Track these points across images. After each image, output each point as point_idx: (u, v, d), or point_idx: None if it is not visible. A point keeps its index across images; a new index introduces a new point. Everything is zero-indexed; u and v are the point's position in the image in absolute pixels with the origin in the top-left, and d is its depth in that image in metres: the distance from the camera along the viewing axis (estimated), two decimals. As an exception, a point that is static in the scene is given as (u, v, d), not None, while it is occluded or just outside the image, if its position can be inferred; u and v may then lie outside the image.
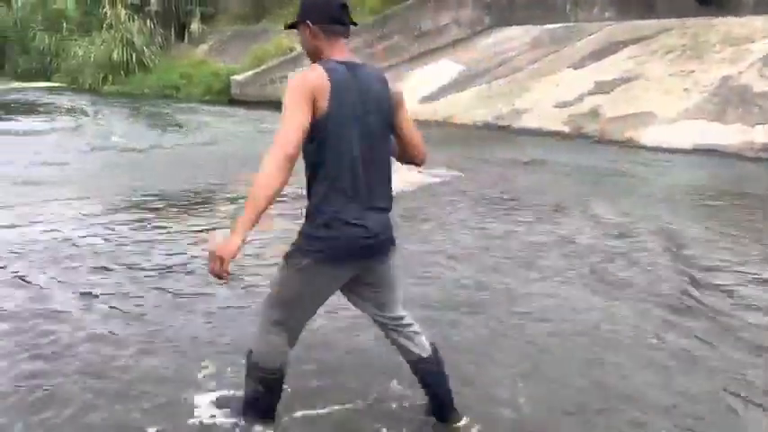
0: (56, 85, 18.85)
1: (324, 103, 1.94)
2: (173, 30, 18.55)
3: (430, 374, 2.26)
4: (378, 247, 2.11)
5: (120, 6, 17.49)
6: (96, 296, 3.49)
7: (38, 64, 20.00)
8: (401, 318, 2.23)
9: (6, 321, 3.16)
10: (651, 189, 6.13)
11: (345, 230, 2.03)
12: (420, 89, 12.37)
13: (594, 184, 6.44)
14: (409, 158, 2.26)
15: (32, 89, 18.11)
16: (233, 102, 13.99)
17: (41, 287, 3.61)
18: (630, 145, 8.23)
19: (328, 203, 2.03)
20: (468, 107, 10.84)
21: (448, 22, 14.71)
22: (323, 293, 2.15)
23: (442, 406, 2.30)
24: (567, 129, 9.20)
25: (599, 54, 10.78)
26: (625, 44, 10.63)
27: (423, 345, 2.24)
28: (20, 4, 21.32)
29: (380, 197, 2.10)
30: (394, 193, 2.18)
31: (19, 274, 3.81)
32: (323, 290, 2.14)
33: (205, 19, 18.44)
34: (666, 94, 8.84)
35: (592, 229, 4.80)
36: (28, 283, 3.68)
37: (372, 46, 14.39)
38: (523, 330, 3.09)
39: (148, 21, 17.93)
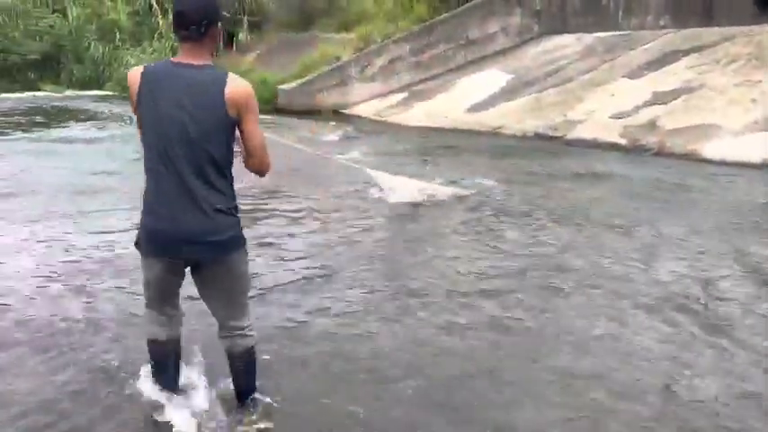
0: (108, 93, 19.35)
1: (135, 98, 2.21)
2: (221, 38, 18.81)
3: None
4: (188, 246, 2.22)
5: (171, 15, 17.85)
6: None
7: (91, 72, 20.56)
8: (231, 325, 2.43)
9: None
10: (721, 206, 5.82)
11: (150, 224, 2.26)
12: (467, 99, 12.20)
13: (659, 199, 6.13)
14: (247, 166, 2.36)
15: (86, 97, 18.64)
16: (281, 111, 14.04)
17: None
18: (692, 158, 7.86)
19: (146, 194, 2.25)
20: (518, 117, 10.60)
21: (496, 31, 14.49)
22: (158, 278, 2.34)
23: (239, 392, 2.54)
24: (623, 141, 8.87)
25: (656, 63, 10.40)
26: (684, 53, 10.23)
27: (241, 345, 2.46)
28: (75, 14, 21.98)
29: (200, 198, 2.19)
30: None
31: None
32: (155, 275, 2.33)
33: (252, 28, 18.67)
34: (731, 105, 8.44)
35: (671, 252, 4.53)
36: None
37: (418, 54, 14.29)
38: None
39: (198, 30, 18.24)
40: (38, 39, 20.89)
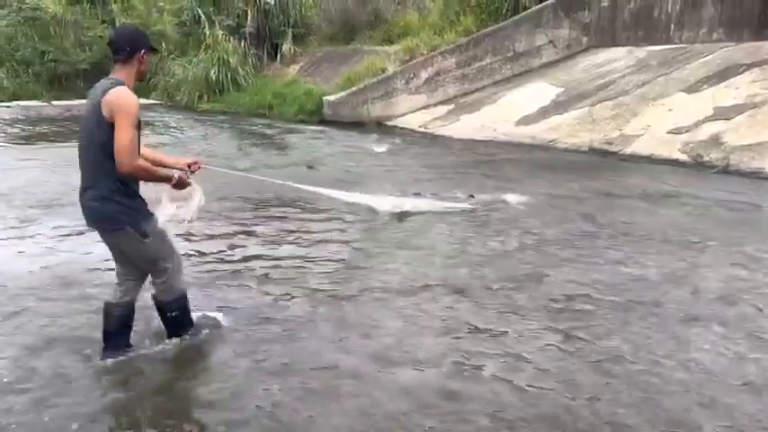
0: (154, 102, 19.71)
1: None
2: (265, 50, 19.02)
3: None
4: (89, 221, 2.98)
5: (217, 28, 18.11)
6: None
7: (137, 82, 20.98)
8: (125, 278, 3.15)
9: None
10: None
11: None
12: (515, 111, 12.04)
13: (736, 220, 5.87)
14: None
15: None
16: (325, 122, 14.08)
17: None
18: (762, 176, 7.57)
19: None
20: (570, 131, 10.40)
21: (543, 43, 14.33)
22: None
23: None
24: (683, 157, 8.61)
25: (716, 77, 10.11)
26: (747, 67, 9.92)
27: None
28: (123, 25, 22.50)
29: (87, 181, 2.91)
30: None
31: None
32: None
33: (296, 40, 18.80)
34: (801, 121, 8.13)
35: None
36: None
37: (464, 67, 14.21)
38: None
39: (243, 42, 18.47)
40: (87, 49, 21.41)
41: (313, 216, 6.07)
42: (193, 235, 5.24)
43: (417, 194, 6.75)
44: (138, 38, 2.98)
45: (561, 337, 3.44)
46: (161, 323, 3.34)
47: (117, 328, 3.18)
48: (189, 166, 3.21)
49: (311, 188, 5.58)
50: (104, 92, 2.79)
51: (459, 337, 3.47)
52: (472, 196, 6.70)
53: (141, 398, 2.88)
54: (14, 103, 18.90)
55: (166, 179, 2.98)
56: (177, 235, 4.28)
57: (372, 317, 3.73)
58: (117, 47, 2.92)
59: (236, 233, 5.49)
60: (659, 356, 3.24)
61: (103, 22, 22.64)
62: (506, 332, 3.53)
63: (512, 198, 6.65)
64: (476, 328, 3.60)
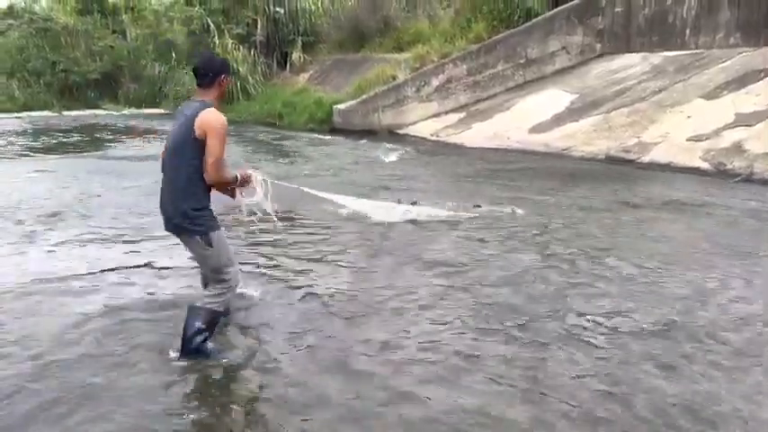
0: (163, 111, 19.69)
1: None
2: (275, 59, 18.97)
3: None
4: (166, 225, 3.29)
5: (227, 37, 18.08)
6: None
7: (148, 91, 20.99)
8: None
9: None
10: None
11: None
12: (529, 119, 11.85)
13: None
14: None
15: (142, 115, 19.01)
16: (335, 130, 13.95)
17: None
18: (788, 185, 7.33)
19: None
20: (586, 139, 10.20)
21: (556, 50, 14.14)
22: None
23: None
24: (705, 165, 8.38)
25: (736, 83, 9.88)
26: (766, 73, 9.67)
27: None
28: (134, 35, 22.56)
29: (168, 190, 3.24)
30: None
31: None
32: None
33: (306, 48, 18.74)
34: (827, 127, 7.88)
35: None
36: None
37: (476, 74, 14.04)
38: None
39: (252, 50, 18.43)
40: (98, 59, 21.45)
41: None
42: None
43: (414, 203, 6.51)
44: (218, 65, 3.30)
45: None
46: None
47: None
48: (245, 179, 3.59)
49: (321, 194, 5.39)
50: (196, 112, 3.12)
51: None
52: (479, 206, 6.50)
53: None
54: (25, 113, 18.93)
55: (233, 182, 3.33)
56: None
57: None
58: (201, 73, 3.24)
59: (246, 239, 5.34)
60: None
61: (114, 32, 22.71)
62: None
63: (524, 210, 6.44)
64: (504, 357, 3.40)
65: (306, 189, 4.81)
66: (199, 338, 3.24)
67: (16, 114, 18.57)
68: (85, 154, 11.33)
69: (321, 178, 8.58)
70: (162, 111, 19.77)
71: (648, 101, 10.58)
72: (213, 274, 3.31)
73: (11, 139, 13.46)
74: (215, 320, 3.33)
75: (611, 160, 9.41)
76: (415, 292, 4.21)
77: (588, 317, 3.76)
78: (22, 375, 3.11)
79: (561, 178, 8.33)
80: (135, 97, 21.14)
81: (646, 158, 9.07)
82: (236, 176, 3.34)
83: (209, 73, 3.22)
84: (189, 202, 3.16)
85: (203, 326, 3.25)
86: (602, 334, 3.55)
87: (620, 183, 7.92)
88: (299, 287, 4.32)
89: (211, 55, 3.86)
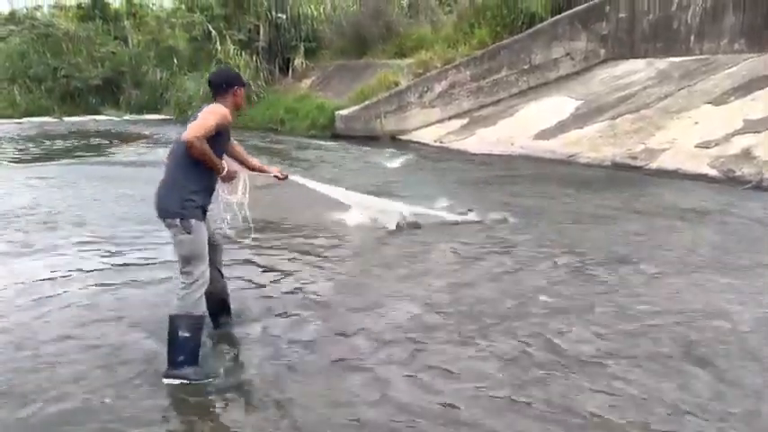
0: (164, 117, 19.64)
1: None
2: (277, 64, 18.90)
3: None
4: (160, 213, 3.27)
5: (229, 43, 18.01)
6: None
7: (149, 97, 20.95)
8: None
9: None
10: None
11: None
12: (533, 125, 11.73)
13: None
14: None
15: (142, 121, 18.95)
16: (337, 136, 13.85)
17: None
18: (799, 193, 7.19)
19: None
20: (592, 145, 10.07)
21: (560, 56, 14.06)
22: None
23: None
24: (713, 172, 8.24)
25: (743, 89, 9.75)
26: (774, 78, 9.56)
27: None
28: (135, 41, 22.55)
29: (164, 175, 3.28)
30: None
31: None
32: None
33: (308, 54, 18.67)
34: (838, 134, 7.74)
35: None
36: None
37: (479, 80, 13.95)
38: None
39: (255, 56, 18.36)
40: (99, 65, 21.44)
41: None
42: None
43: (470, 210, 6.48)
44: (231, 78, 3.43)
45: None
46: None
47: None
48: (278, 177, 3.90)
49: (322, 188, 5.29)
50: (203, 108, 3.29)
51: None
52: (470, 210, 6.43)
53: None
54: (26, 119, 18.89)
55: (217, 167, 3.26)
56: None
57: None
58: (214, 85, 3.38)
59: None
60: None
61: (116, 38, 22.72)
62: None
63: (531, 217, 6.32)
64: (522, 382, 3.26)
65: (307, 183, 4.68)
66: (186, 348, 3.14)
67: (17, 120, 18.52)
68: (85, 160, 11.22)
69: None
70: (163, 116, 19.72)
71: (654, 107, 10.46)
72: (182, 265, 3.24)
73: (10, 145, 13.37)
74: (197, 325, 3.19)
75: (617, 167, 9.28)
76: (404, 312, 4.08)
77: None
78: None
79: (567, 185, 8.20)
80: (136, 103, 21.11)
81: (653, 165, 8.94)
82: (224, 166, 3.32)
83: (223, 84, 3.36)
84: (180, 187, 3.21)
85: (187, 333, 3.13)
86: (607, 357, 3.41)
87: (628, 190, 7.78)
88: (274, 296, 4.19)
89: (227, 69, 4.18)
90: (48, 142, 13.92)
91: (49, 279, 4.60)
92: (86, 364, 3.30)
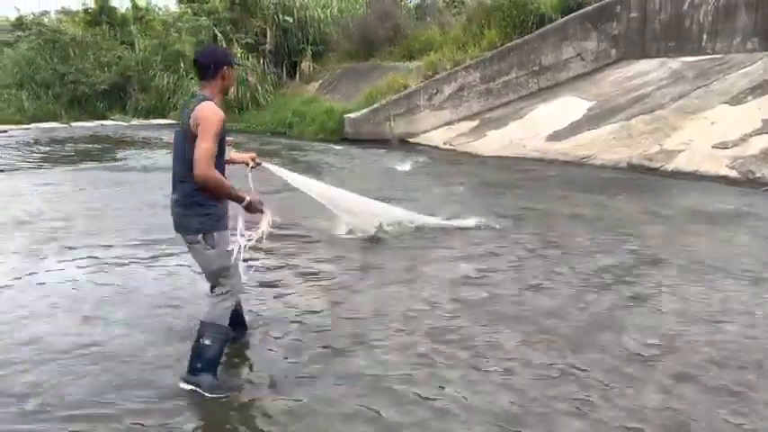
0: (171, 121, 19.55)
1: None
2: (284, 68, 18.81)
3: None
4: (177, 228, 3.12)
5: (236, 46, 17.93)
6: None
7: (156, 102, 20.88)
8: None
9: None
10: None
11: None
12: (545, 127, 11.59)
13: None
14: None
15: (149, 126, 18.88)
16: (346, 140, 13.73)
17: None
18: (823, 194, 7.02)
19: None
20: (606, 147, 9.92)
21: (571, 56, 13.90)
22: None
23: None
24: (732, 173, 8.08)
25: (760, 89, 9.59)
26: (793, 77, 9.39)
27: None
28: (142, 45, 22.49)
29: (174, 189, 3.10)
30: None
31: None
32: None
33: (315, 57, 18.58)
34: None
35: None
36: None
37: (489, 81, 13.81)
38: None
39: (262, 60, 18.28)
40: (106, 69, 21.39)
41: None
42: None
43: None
44: (218, 55, 3.11)
45: None
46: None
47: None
48: (252, 160, 3.56)
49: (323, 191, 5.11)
50: (194, 108, 2.94)
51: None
52: (480, 224, 6.11)
53: None
54: (34, 125, 18.84)
55: (237, 199, 3.02)
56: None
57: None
58: (201, 66, 3.06)
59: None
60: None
61: (122, 43, 22.66)
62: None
63: (544, 222, 6.17)
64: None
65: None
66: (205, 356, 3.04)
67: (25, 126, 18.48)
68: (91, 165, 11.13)
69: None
70: (170, 121, 19.65)
71: (669, 107, 10.30)
72: (213, 279, 3.15)
73: (19, 150, 13.32)
74: (221, 336, 3.08)
75: (633, 168, 9.13)
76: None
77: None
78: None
79: (583, 187, 8.05)
80: (143, 108, 21.04)
81: (670, 166, 8.78)
82: (245, 198, 3.01)
83: (210, 64, 3.03)
84: (196, 202, 3.00)
85: (208, 342, 3.03)
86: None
87: (645, 192, 7.63)
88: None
89: (213, 47, 3.73)
90: (55, 147, 13.85)
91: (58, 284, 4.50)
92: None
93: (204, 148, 2.83)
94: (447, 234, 5.78)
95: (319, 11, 19.22)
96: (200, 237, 3.03)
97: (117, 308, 4.09)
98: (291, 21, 18.57)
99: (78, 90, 20.94)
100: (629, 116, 10.55)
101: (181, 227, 3.08)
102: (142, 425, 2.76)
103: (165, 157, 11.75)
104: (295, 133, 15.34)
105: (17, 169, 10.62)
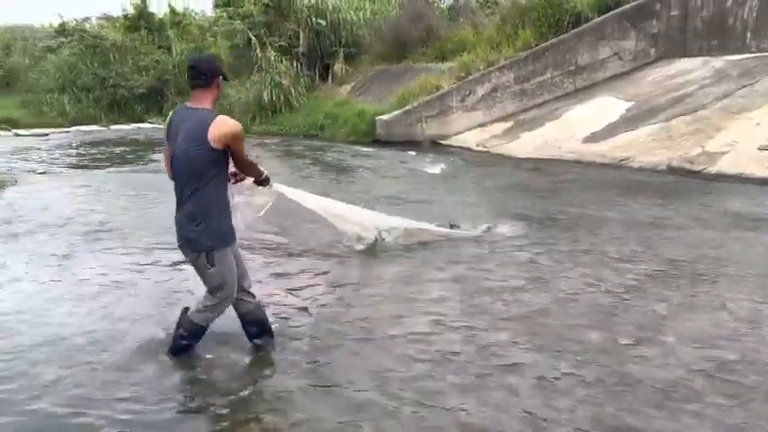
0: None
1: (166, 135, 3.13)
2: (317, 70, 18.87)
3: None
4: (180, 242, 3.18)
5: (269, 49, 18.08)
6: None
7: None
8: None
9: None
10: None
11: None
12: (581, 128, 11.33)
13: None
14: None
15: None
16: (378, 142, 13.68)
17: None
18: None
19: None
20: (645, 148, 9.62)
21: (608, 56, 13.58)
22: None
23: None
24: (780, 176, 7.74)
25: (810, 87, 9.18)
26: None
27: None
28: (179, 49, 22.90)
29: (185, 209, 3.10)
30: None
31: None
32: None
33: (348, 59, 18.58)
34: None
35: None
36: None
37: (523, 82, 13.59)
38: None
39: (295, 62, 18.38)
40: (144, 73, 21.84)
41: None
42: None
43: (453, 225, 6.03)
44: (216, 66, 3.09)
45: None
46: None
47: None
48: (234, 176, 3.40)
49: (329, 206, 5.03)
50: (204, 124, 2.93)
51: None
52: (489, 229, 5.87)
53: None
54: (75, 128, 19.34)
55: (260, 175, 3.37)
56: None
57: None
58: (198, 73, 3.02)
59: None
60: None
61: (160, 47, 23.12)
62: None
63: (585, 227, 5.98)
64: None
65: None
66: (182, 343, 3.34)
67: (66, 129, 18.98)
68: (128, 168, 11.33)
69: (354, 191, 8.28)
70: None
71: (712, 107, 9.94)
72: (209, 290, 3.27)
73: (59, 153, 13.66)
74: (198, 333, 3.33)
75: (673, 171, 8.83)
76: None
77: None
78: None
79: (621, 191, 7.81)
80: (179, 111, 21.42)
81: (712, 169, 8.46)
82: (263, 172, 3.38)
83: (207, 73, 3.02)
84: (207, 216, 3.07)
85: (185, 333, 3.31)
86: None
87: (687, 196, 7.36)
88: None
89: (208, 55, 4.04)
90: (94, 150, 14.17)
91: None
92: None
93: (247, 156, 3.15)
94: (473, 242, 5.65)
95: (352, 13, 19.22)
96: (203, 255, 3.10)
97: (163, 309, 4.10)
98: (324, 23, 18.62)
99: (117, 93, 21.45)
100: (670, 117, 10.22)
101: (188, 241, 3.12)
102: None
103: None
104: (327, 135, 15.36)
105: (57, 172, 10.87)
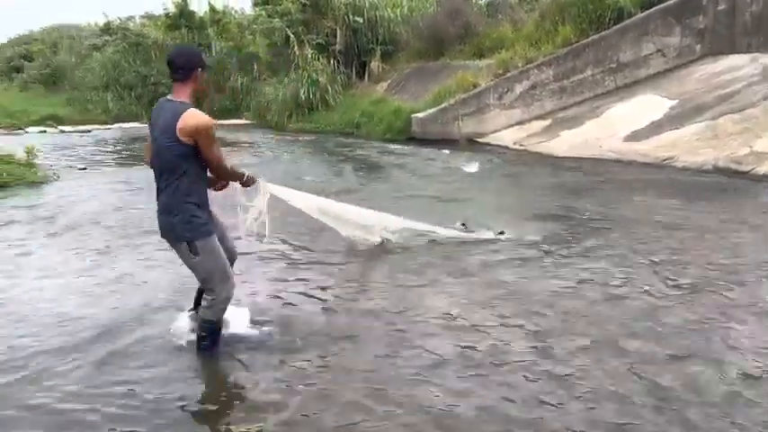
0: (246, 122, 20.09)
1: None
2: (353, 68, 18.90)
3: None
4: (161, 232, 3.20)
5: (307, 47, 18.18)
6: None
7: (231, 103, 21.51)
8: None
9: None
10: None
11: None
12: (623, 126, 11.04)
13: None
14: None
15: (224, 127, 19.44)
16: (414, 140, 13.61)
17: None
18: None
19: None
20: (690, 148, 9.31)
21: (651, 53, 13.18)
22: None
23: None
24: (833, 178, 7.38)
25: None
26: None
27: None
28: (218, 48, 23.24)
29: (161, 200, 3.14)
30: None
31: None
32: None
33: (385, 57, 18.56)
34: None
35: None
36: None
37: (562, 79, 13.32)
38: None
39: (332, 60, 18.45)
40: (184, 71, 22.24)
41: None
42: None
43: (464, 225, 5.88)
44: (193, 57, 3.11)
45: None
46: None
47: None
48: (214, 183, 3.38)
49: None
50: (176, 115, 2.96)
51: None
52: (502, 233, 5.63)
53: None
54: (117, 125, 19.84)
55: (240, 178, 3.33)
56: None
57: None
58: (175, 67, 3.04)
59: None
60: None
61: (200, 45, 23.50)
62: None
63: (628, 229, 5.78)
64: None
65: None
66: (204, 343, 3.35)
67: (108, 126, 19.48)
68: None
69: (383, 190, 8.23)
70: (244, 121, 20.19)
71: (761, 106, 9.56)
72: (203, 283, 3.28)
73: (101, 149, 14.01)
74: (212, 330, 3.34)
75: (719, 171, 8.51)
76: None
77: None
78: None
79: (665, 192, 7.56)
80: (218, 108, 21.72)
81: (761, 170, 8.12)
82: (244, 174, 3.33)
83: (184, 67, 3.04)
84: (182, 209, 3.08)
85: (203, 333, 3.33)
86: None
87: (734, 198, 7.08)
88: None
89: (189, 48, 3.85)
90: (134, 147, 14.48)
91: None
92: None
93: (217, 157, 3.07)
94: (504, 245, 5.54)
95: (389, 10, 19.18)
96: (185, 245, 3.12)
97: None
98: (361, 21, 18.63)
99: (159, 91, 21.87)
100: (716, 115, 9.87)
101: (168, 232, 3.16)
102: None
103: (235, 156, 12.05)
104: (363, 133, 15.36)
105: (98, 169, 11.14)
